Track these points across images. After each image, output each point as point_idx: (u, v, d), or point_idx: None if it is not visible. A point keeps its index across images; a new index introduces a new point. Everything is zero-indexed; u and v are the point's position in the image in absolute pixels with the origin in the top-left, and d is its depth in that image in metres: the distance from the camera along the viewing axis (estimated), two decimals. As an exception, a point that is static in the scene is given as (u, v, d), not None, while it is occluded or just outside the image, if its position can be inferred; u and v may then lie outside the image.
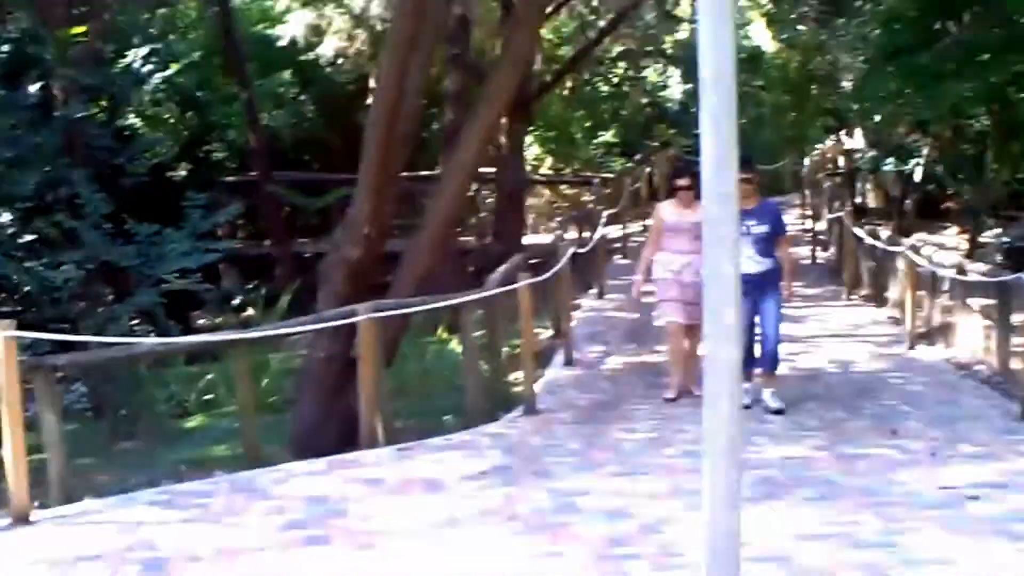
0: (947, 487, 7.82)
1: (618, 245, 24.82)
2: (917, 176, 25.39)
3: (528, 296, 11.64)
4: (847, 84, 30.45)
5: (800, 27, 30.07)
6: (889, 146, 27.04)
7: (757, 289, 10.56)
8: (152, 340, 11.83)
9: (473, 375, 11.42)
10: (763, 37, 39.34)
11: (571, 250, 15.60)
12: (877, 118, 25.27)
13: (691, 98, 39.07)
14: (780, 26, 35.74)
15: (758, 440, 9.56)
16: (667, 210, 11.73)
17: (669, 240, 11.50)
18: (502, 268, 13.56)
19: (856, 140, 30.83)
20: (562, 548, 6.66)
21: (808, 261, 23.35)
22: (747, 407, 10.42)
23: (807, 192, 30.38)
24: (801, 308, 16.75)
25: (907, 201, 26.48)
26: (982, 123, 21.94)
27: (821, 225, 25.75)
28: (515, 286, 11.85)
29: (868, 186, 30.72)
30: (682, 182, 11.53)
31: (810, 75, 36.39)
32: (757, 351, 10.95)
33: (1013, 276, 11.76)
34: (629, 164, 34.91)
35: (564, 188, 35.88)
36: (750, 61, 38.87)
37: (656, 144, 37.07)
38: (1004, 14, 18.86)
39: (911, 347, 14.42)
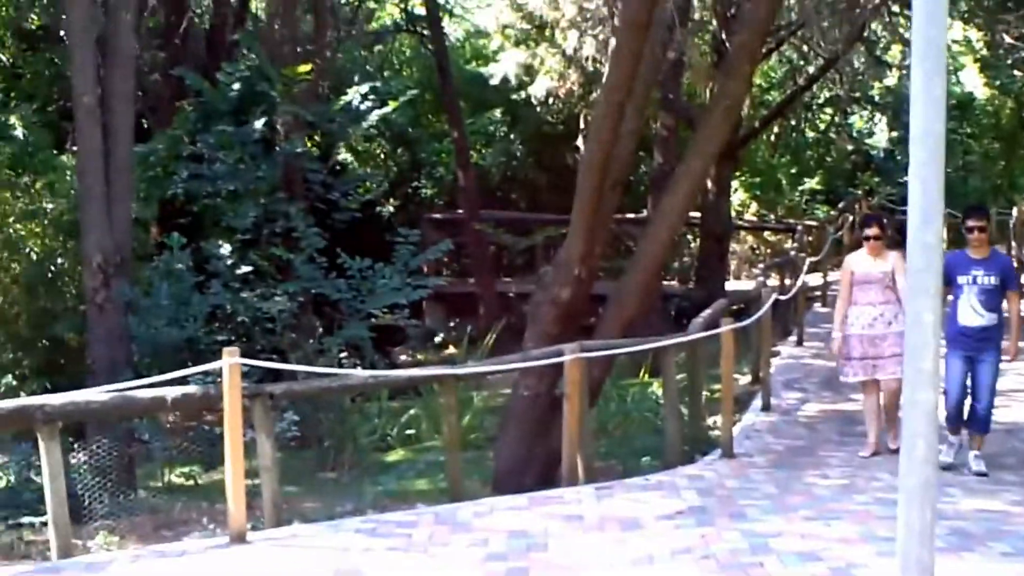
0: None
1: (818, 293, 24.64)
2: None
3: (731, 341, 11.74)
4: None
5: (1016, 72, 29.38)
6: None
7: (976, 344, 10.22)
8: (363, 372, 12.17)
9: (673, 418, 11.53)
10: (975, 83, 38.62)
11: (773, 296, 15.60)
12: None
13: (897, 145, 38.56)
14: (994, 71, 34.96)
15: (952, 492, 9.54)
16: (856, 261, 11.33)
17: (860, 292, 11.13)
18: (705, 313, 13.65)
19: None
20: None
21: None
22: (946, 468, 10.16)
23: (1014, 243, 29.67)
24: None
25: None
26: None
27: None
28: (718, 331, 11.96)
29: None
30: (871, 231, 11.22)
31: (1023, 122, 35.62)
32: (966, 409, 10.50)
33: None
34: (832, 212, 34.53)
35: (767, 234, 35.71)
36: (960, 108, 38.24)
37: (860, 192, 36.61)
38: None
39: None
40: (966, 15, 29.01)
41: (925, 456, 3.72)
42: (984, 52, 33.89)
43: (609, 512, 8.85)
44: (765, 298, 15.32)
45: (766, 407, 13.85)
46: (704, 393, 13.90)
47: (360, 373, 11.55)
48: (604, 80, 12.69)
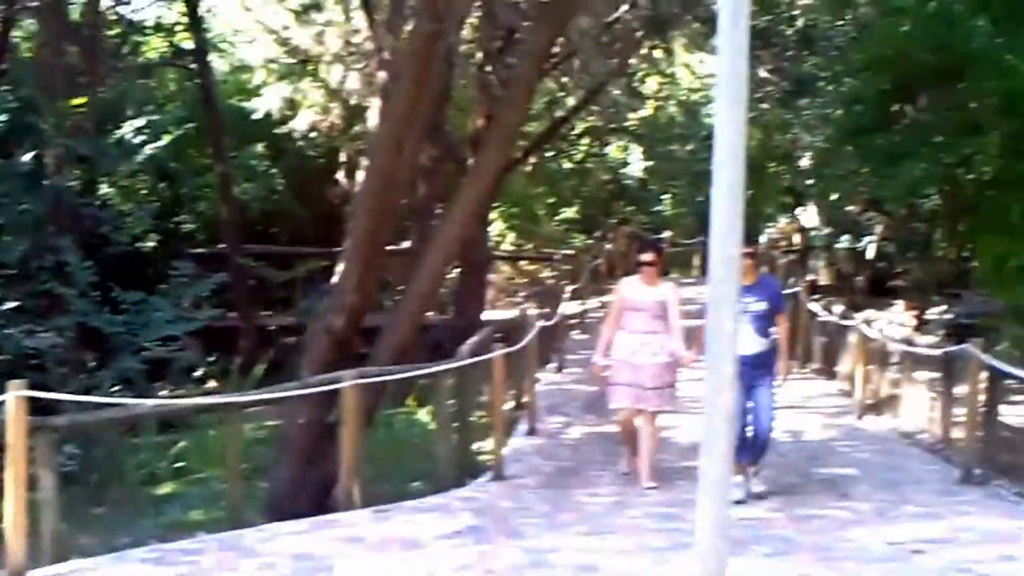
0: (894, 542, 8.47)
1: (576, 321, 25.32)
2: (870, 253, 26.19)
3: (501, 367, 12.16)
4: (806, 162, 31.18)
5: (763, 105, 30.81)
6: (844, 224, 27.83)
7: (752, 371, 9.88)
8: (151, 401, 12.17)
9: (444, 442, 11.89)
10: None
11: (539, 324, 16.14)
12: (835, 196, 25.99)
13: (651, 175, 39.80)
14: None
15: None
16: (629, 287, 11.15)
17: (629, 319, 10.98)
18: (472, 340, 14.07)
19: (811, 218, 31.62)
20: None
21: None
22: (739, 502, 9.66)
23: (764, 268, 31.06)
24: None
25: (859, 278, 27.24)
26: (933, 203, 22.65)
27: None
28: (489, 356, 12.37)
29: (820, 263, 31.50)
30: (646, 257, 11.05)
31: (769, 153, 37.20)
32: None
33: (957, 348, 12.38)
34: (589, 241, 35.50)
35: (524, 264, 36.52)
36: (708, 139, 39.66)
37: (615, 221, 37.71)
38: (957, 99, 19.62)
39: (859, 417, 15.14)
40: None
41: (723, 454, 4.17)
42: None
43: (389, 534, 9.09)
44: (531, 325, 15.83)
45: (532, 431, 14.29)
46: (471, 418, 14.29)
47: (148, 402, 11.55)
48: (382, 113, 12.97)
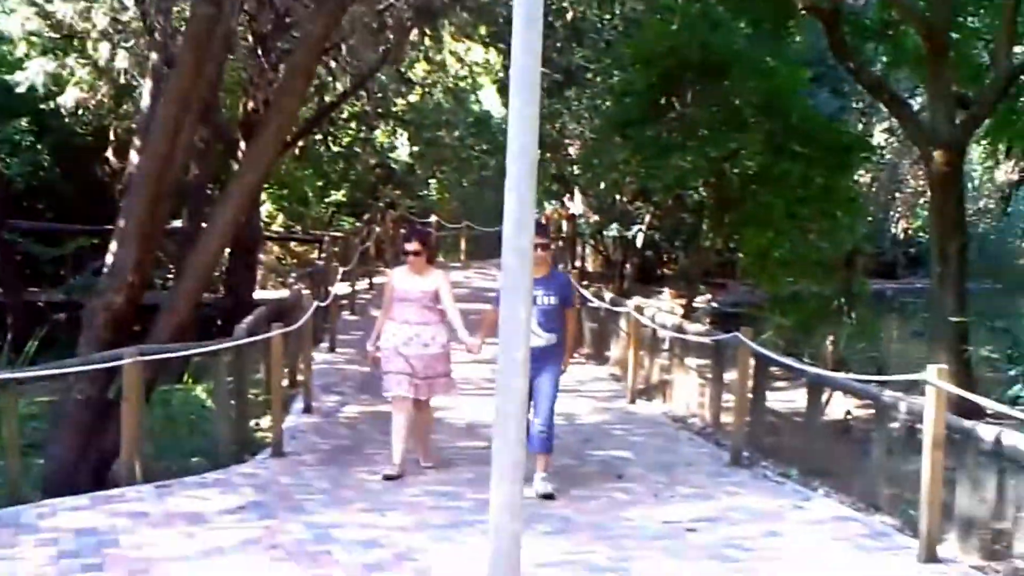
0: (669, 521, 9.00)
1: (346, 301, 25.49)
2: (638, 242, 27.00)
3: (279, 345, 12.30)
4: (574, 151, 31.89)
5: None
6: (612, 213, 28.62)
7: (535, 364, 8.94)
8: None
9: (224, 419, 11.97)
10: (493, 102, 40.82)
11: (315, 304, 16.29)
12: (603, 185, 26.69)
13: (417, 160, 40.09)
14: (501, 92, 36.99)
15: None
16: (398, 277, 10.89)
17: (399, 309, 10.75)
18: (248, 319, 14.16)
19: (578, 206, 32.41)
20: (324, 572, 7.43)
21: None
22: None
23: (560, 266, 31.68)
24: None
25: (627, 265, 28.05)
26: (700, 194, 23.47)
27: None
28: (268, 335, 12.51)
29: (587, 250, 32.35)
30: (410, 247, 10.78)
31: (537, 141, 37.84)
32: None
33: (728, 335, 12.98)
34: (358, 224, 35.65)
35: (294, 245, 36.55)
36: (477, 125, 40.31)
37: (382, 204, 37.94)
38: (722, 96, 20.46)
39: (632, 401, 15.66)
40: (487, 40, 30.77)
41: (516, 437, 4.48)
42: (502, 75, 35.88)
43: (173, 508, 9.23)
44: (306, 305, 15.96)
45: (307, 409, 14.40)
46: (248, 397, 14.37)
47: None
48: (162, 95, 12.95)
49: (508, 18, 22.76)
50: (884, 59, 21.05)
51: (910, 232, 40.76)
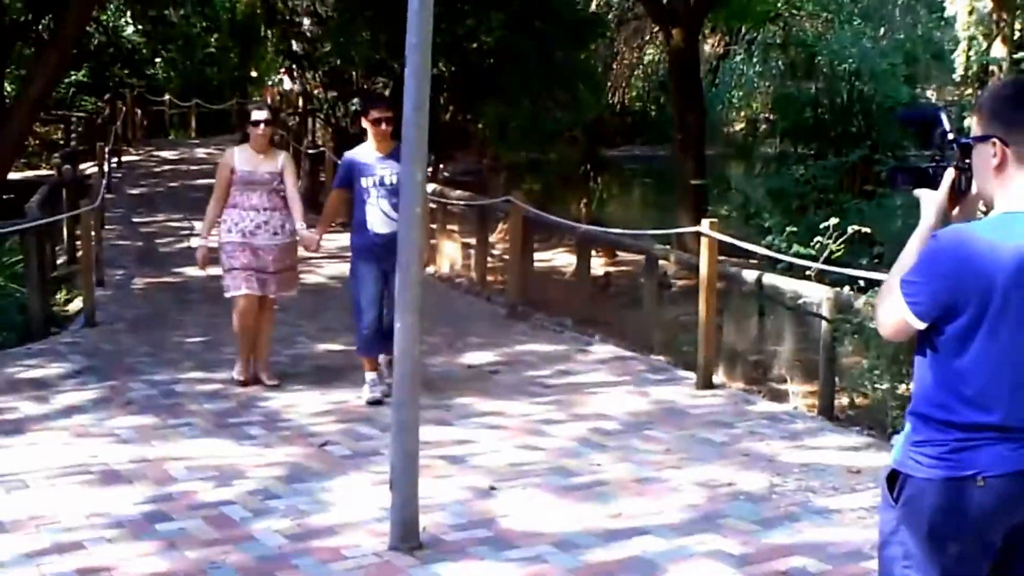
0: (472, 366, 10.17)
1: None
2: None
3: (89, 219, 12.87)
4: (307, 27, 32.15)
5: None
6: (348, 89, 29.21)
7: (387, 254, 8.11)
8: None
9: (35, 294, 12.44)
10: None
11: (104, 182, 16.69)
12: (340, 62, 27.22)
13: (145, 40, 39.71)
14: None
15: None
16: (240, 157, 9.45)
17: (241, 195, 9.37)
18: (36, 198, 14.57)
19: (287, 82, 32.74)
20: (183, 420, 8.40)
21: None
22: (379, 402, 8.77)
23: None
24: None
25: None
26: (440, 69, 24.29)
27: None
28: (80, 211, 13.07)
29: (318, 125, 32.86)
30: (260, 115, 9.49)
31: (262, 18, 37.95)
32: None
33: (499, 199, 14.09)
34: (100, 103, 35.37)
35: (36, 125, 36.04)
36: (202, 3, 40.26)
37: (113, 84, 37.65)
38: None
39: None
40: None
41: (414, 337, 5.52)
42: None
43: (11, 376, 9.92)
44: (96, 183, 16.35)
45: (100, 283, 14.85)
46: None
47: None
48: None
49: None
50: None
51: (626, 102, 42.45)
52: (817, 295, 9.03)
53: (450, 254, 16.26)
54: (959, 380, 3.18)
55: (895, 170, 3.75)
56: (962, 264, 3.14)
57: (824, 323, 8.85)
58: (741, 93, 46.35)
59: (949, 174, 3.39)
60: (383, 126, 8.80)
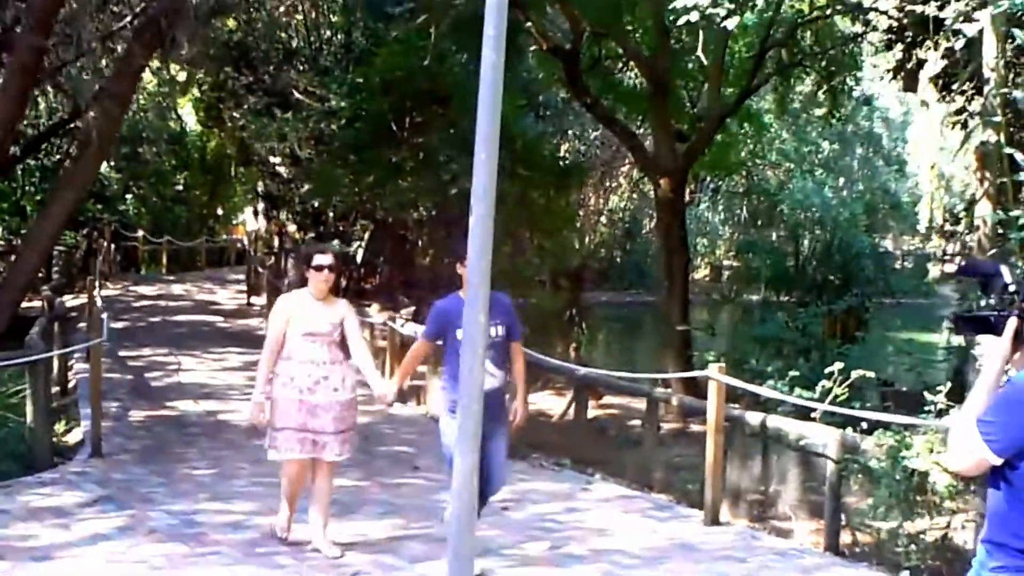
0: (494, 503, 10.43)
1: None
2: (358, 257, 28.31)
3: (99, 352, 13.12)
4: (283, 170, 32.82)
5: (235, 115, 32.32)
6: (325, 229, 29.82)
7: (489, 413, 6.77)
8: None
9: (43, 425, 12.63)
10: (190, 119, 41.51)
11: (104, 315, 16.98)
12: (318, 203, 27.88)
13: (117, 174, 40.23)
14: (208, 110, 37.51)
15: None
16: (299, 304, 8.58)
17: (301, 345, 8.45)
18: (35, 330, 14.83)
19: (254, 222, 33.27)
20: (212, 549, 8.60)
21: (263, 331, 25.56)
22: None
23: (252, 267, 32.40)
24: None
25: (342, 279, 29.25)
26: (422, 213, 24.93)
27: (261, 299, 28.23)
28: (90, 344, 13.32)
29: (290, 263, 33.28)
30: (324, 261, 8.59)
31: (234, 157, 38.68)
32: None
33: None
34: (79, 236, 35.82)
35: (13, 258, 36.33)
36: (175, 141, 40.96)
37: (93, 217, 38.04)
38: (448, 122, 22.11)
39: (390, 405, 16.89)
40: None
41: (477, 413, 5.86)
42: (197, 92, 36.41)
43: (30, 505, 10.04)
44: (96, 314, 16.56)
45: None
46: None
47: None
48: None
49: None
50: (609, 96, 23.01)
51: (593, 247, 43.24)
52: (822, 437, 9.44)
53: (437, 395, 16.54)
54: (1033, 511, 3.56)
55: (960, 318, 4.17)
56: (1035, 407, 3.53)
57: (830, 463, 9.23)
58: (706, 240, 47.48)
59: (1012, 323, 3.79)
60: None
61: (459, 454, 5.86)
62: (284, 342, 8.49)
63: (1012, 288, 3.90)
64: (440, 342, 8.14)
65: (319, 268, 8.55)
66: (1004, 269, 3.97)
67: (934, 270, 32.92)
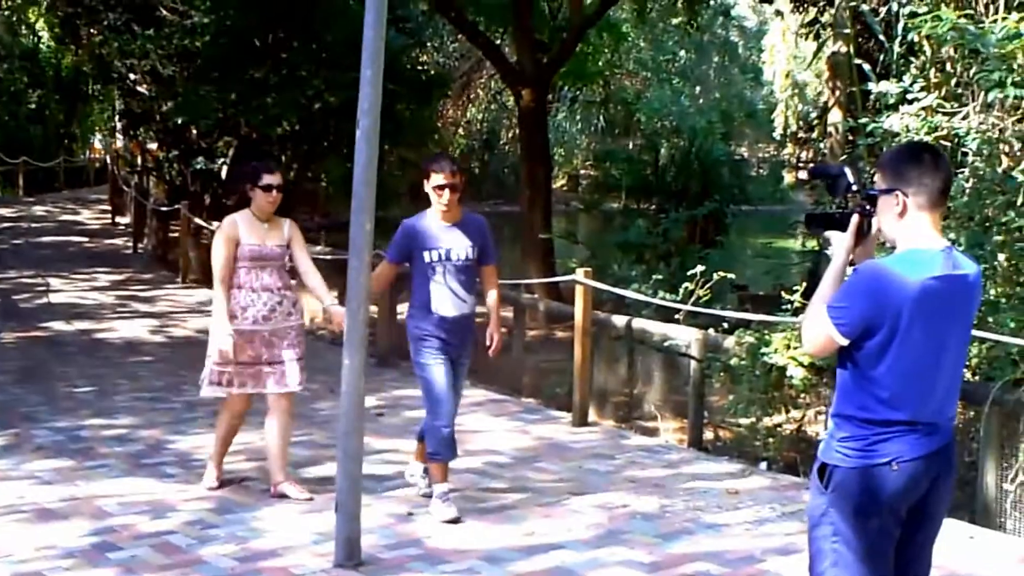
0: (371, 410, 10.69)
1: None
2: (223, 174, 28.16)
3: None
4: (144, 88, 32.32)
5: (92, 31, 31.70)
6: (187, 146, 29.52)
7: (457, 343, 7.52)
8: None
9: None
10: (45, 35, 40.63)
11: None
12: (185, 119, 27.57)
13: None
14: (64, 25, 36.73)
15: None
16: (246, 227, 7.81)
17: (248, 273, 7.77)
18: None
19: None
20: (96, 463, 8.79)
21: (130, 251, 25.53)
22: (457, 520, 7.31)
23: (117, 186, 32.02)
24: (144, 292, 19.36)
25: (206, 196, 29.07)
26: (286, 128, 24.83)
27: (126, 219, 28.01)
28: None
29: (151, 180, 33.02)
30: (273, 180, 7.84)
31: (92, 75, 38.01)
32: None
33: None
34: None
35: None
36: (26, 58, 40.15)
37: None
38: (312, 38, 22.08)
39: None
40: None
41: (360, 365, 6.16)
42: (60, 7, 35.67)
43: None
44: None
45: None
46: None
47: None
48: None
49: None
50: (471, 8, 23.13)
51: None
52: (686, 337, 9.88)
53: (312, 307, 16.73)
54: (875, 386, 3.99)
55: (809, 216, 4.55)
56: (879, 292, 3.94)
57: (694, 363, 9.68)
58: (563, 150, 47.95)
59: (854, 219, 4.17)
60: (447, 193, 7.32)
61: (347, 355, 6.15)
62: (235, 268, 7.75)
63: (855, 188, 4.26)
64: (407, 264, 7.54)
65: (267, 188, 7.76)
66: (848, 171, 4.34)
67: (789, 177, 33.84)
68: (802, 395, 9.09)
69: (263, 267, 7.74)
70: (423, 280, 7.40)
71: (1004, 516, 7.47)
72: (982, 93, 8.86)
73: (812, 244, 16.02)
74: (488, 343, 7.71)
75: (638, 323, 10.68)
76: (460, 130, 44.77)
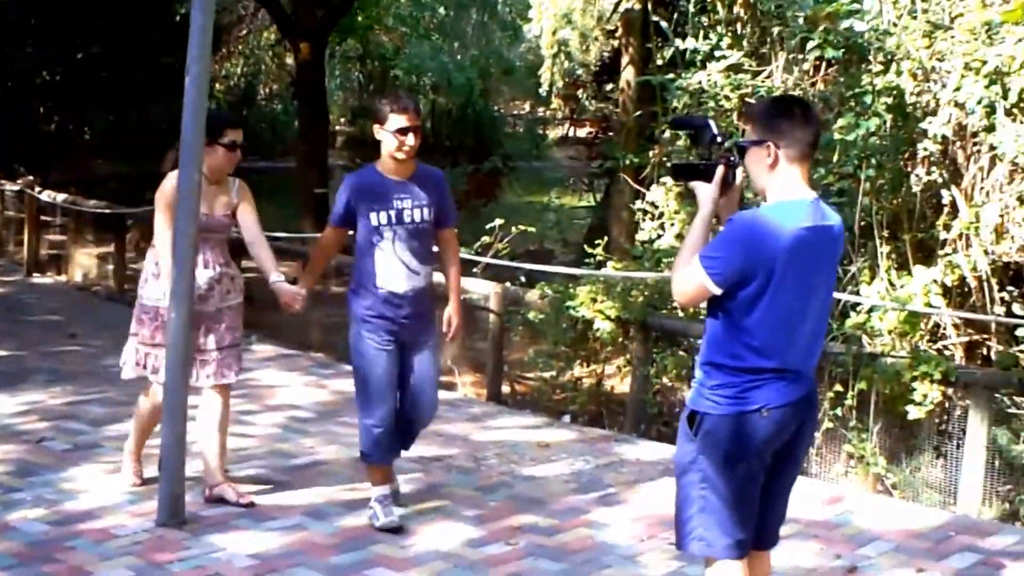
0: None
1: None
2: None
3: None
4: None
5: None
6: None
7: (410, 320, 6.22)
8: None
9: None
10: None
11: None
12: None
13: None
14: None
15: None
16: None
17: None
18: None
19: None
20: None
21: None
22: (398, 529, 6.23)
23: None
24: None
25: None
26: (46, 78, 23.81)
27: None
28: None
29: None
30: (240, 137, 6.48)
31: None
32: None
33: (142, 209, 14.21)
34: None
35: None
36: None
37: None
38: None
39: (29, 274, 16.37)
40: None
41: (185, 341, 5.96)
42: None
43: None
44: None
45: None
46: None
47: None
48: None
49: None
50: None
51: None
52: (484, 290, 9.87)
53: (84, 263, 16.23)
54: (747, 335, 4.06)
55: (675, 167, 4.57)
56: (754, 242, 4.00)
57: (492, 316, 9.68)
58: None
59: (720, 170, 4.21)
60: (408, 138, 6.06)
61: (172, 309, 5.94)
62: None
63: (719, 139, 4.29)
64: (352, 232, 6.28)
65: (232, 147, 6.42)
66: (711, 122, 4.36)
67: (552, 133, 34.08)
68: (607, 349, 9.19)
69: (205, 240, 6.35)
70: (367, 247, 6.13)
71: (808, 463, 7.72)
72: (783, 53, 9.08)
73: (595, 200, 16.14)
74: (445, 328, 6.48)
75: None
76: (218, 84, 43.77)
